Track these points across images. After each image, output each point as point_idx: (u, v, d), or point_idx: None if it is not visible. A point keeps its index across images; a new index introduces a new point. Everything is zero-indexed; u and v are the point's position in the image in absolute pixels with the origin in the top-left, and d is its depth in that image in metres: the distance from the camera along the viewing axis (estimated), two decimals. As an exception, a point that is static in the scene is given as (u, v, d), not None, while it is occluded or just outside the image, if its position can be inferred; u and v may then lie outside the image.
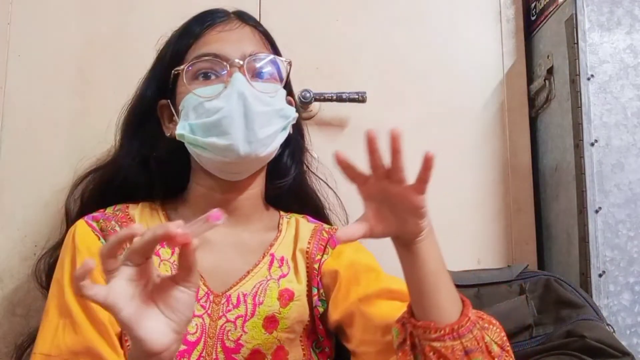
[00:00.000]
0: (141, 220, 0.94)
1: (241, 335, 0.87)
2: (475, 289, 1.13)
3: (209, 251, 0.91)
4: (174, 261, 0.90)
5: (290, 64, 0.97)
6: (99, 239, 0.90)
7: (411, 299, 0.79)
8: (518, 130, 1.40)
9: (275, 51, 0.99)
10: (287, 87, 1.00)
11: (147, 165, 0.96)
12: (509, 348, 0.79)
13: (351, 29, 1.38)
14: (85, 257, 0.85)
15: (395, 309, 0.83)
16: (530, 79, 1.42)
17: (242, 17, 0.98)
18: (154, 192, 0.97)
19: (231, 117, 0.86)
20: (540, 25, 1.39)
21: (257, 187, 0.97)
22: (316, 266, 0.94)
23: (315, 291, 0.93)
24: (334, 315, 0.90)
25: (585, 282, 1.17)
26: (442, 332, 0.74)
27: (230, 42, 0.92)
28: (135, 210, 0.95)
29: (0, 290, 1.19)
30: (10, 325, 1.17)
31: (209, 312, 0.87)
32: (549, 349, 1.00)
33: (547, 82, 1.34)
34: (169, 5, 1.31)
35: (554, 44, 1.33)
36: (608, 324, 1.05)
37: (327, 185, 1.15)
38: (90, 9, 1.31)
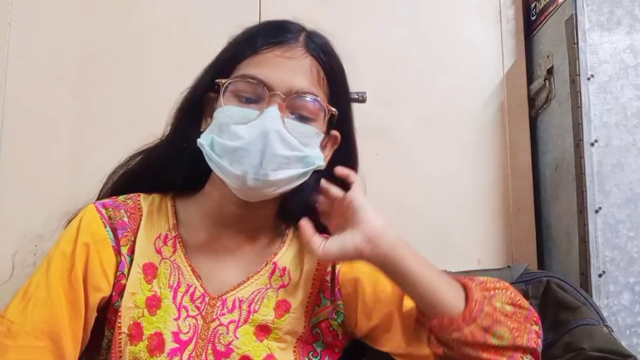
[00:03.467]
0: (148, 213, 0.93)
1: (232, 340, 0.87)
2: (475, 289, 1.12)
3: (208, 258, 0.91)
4: (175, 260, 0.90)
5: (333, 114, 0.90)
6: (105, 226, 0.89)
7: (417, 304, 0.85)
8: (518, 130, 1.40)
9: (337, 91, 0.92)
10: (341, 127, 0.94)
11: (180, 157, 0.92)
12: (520, 302, 0.85)
13: (351, 29, 1.38)
14: (86, 241, 0.87)
15: None
16: (530, 79, 1.42)
17: (309, 46, 0.91)
18: (171, 184, 0.95)
19: (247, 151, 0.83)
20: (540, 25, 1.39)
21: (272, 208, 0.94)
22: (328, 278, 0.93)
23: (327, 303, 0.92)
24: (371, 321, 0.90)
25: (585, 282, 1.17)
26: (457, 323, 0.80)
27: (282, 71, 0.87)
28: (147, 201, 0.94)
29: (0, 289, 1.19)
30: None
31: (202, 313, 0.87)
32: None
33: (547, 82, 1.34)
34: (170, 5, 1.31)
35: (554, 44, 1.33)
36: (606, 325, 1.05)
37: None
38: (91, 9, 1.31)
